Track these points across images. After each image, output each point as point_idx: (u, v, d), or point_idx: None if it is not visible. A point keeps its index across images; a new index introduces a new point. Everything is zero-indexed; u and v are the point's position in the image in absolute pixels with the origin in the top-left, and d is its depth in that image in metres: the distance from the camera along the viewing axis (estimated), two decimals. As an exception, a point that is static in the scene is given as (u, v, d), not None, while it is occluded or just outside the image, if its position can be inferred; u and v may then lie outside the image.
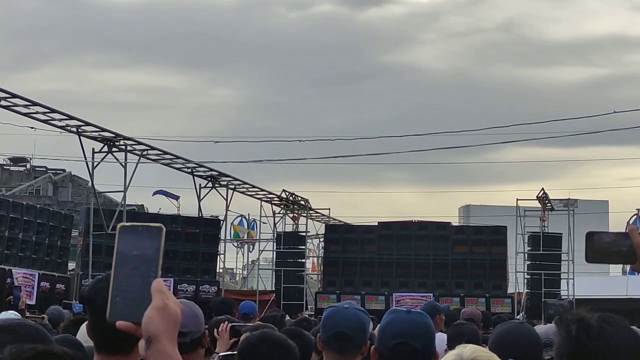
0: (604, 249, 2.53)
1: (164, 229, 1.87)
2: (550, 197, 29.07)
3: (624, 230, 2.58)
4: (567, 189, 62.71)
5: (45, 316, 12.42)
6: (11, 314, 9.21)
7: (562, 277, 27.50)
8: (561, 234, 27.71)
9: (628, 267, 43.12)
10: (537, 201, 28.42)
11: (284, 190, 31.30)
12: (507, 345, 4.08)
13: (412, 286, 26.88)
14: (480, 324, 9.01)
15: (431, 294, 25.27)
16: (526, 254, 27.75)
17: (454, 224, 32.75)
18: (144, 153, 25.84)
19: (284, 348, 3.93)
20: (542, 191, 28.23)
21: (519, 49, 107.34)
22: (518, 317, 22.16)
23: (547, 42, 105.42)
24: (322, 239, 32.28)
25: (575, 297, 26.95)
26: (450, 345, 4.66)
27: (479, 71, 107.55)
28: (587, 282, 30.94)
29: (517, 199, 28.56)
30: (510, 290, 28.15)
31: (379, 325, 3.89)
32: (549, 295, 26.40)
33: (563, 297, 27.11)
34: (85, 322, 3.30)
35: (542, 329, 4.94)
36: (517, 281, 28.49)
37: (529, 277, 27.40)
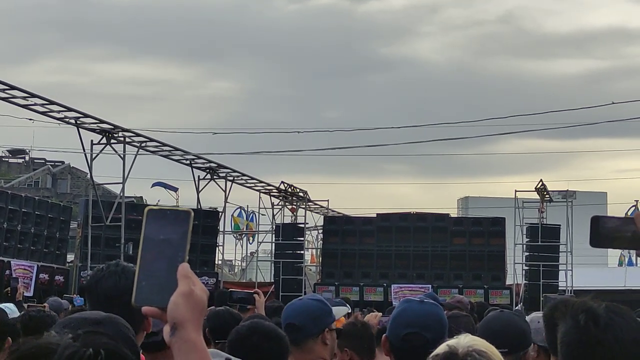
0: (608, 234, 2.52)
1: (192, 214, 1.84)
2: (549, 189, 29.07)
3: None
4: (565, 180, 62.87)
5: (47, 305, 12.43)
6: (9, 306, 9.21)
7: (560, 268, 27.52)
8: (560, 225, 27.71)
9: (626, 259, 43.19)
10: (535, 193, 28.42)
11: (282, 182, 31.29)
12: (491, 333, 4.09)
13: (410, 278, 26.90)
14: (467, 310, 9.05)
15: (429, 286, 25.29)
16: (525, 246, 27.75)
17: (452, 215, 32.79)
18: (143, 145, 25.82)
19: (274, 338, 3.92)
20: (541, 182, 28.22)
21: (518, 41, 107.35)
22: (517, 308, 22.18)
23: (547, 34, 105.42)
24: (320, 231, 32.25)
25: (574, 289, 26.97)
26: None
27: (478, 63, 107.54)
28: (585, 273, 30.98)
29: (516, 191, 28.56)
30: (508, 281, 28.18)
31: (391, 314, 3.90)
32: (548, 286, 26.41)
33: (562, 290, 27.11)
34: None
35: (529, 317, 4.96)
36: (515, 273, 28.51)
37: (527, 268, 27.40)
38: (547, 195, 28.76)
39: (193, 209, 24.33)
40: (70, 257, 28.80)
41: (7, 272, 22.45)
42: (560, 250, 27.43)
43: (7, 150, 70.06)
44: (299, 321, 4.08)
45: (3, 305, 9.41)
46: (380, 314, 6.65)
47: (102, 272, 3.09)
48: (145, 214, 1.84)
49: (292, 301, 4.38)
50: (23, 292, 18.50)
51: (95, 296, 2.99)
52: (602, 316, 2.36)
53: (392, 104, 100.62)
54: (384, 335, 3.79)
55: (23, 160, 72.61)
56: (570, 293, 26.24)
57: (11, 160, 73.14)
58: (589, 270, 32.77)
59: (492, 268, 26.88)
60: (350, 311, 8.81)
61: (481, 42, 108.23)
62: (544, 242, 26.87)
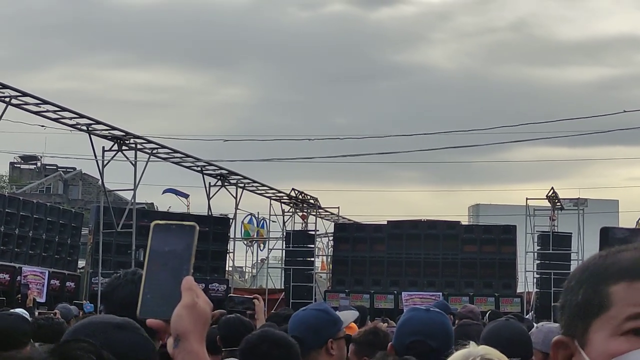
0: (617, 244, 2.52)
1: (197, 228, 1.86)
2: (560, 197, 29.01)
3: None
4: (576, 188, 62.52)
5: (57, 311, 12.45)
6: (20, 312, 9.23)
7: (572, 276, 27.39)
8: (571, 233, 27.65)
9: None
10: (546, 200, 28.37)
11: (293, 189, 31.32)
12: (501, 342, 4.09)
13: (421, 285, 26.86)
14: (479, 320, 9.04)
15: (440, 293, 25.25)
16: (536, 254, 27.70)
17: (463, 223, 32.71)
18: (154, 151, 25.89)
19: (284, 346, 3.92)
20: (552, 190, 28.16)
21: (529, 48, 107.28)
22: (527, 316, 22.11)
23: (558, 41, 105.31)
24: (331, 238, 32.28)
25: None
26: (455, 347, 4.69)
27: (490, 71, 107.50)
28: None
29: (527, 198, 28.53)
30: (519, 289, 28.11)
31: (398, 322, 3.91)
32: (559, 295, 26.19)
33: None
34: None
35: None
36: (526, 280, 28.44)
37: (538, 276, 27.34)
38: (558, 203, 28.69)
39: (204, 216, 24.33)
40: (81, 263, 28.87)
41: (19, 278, 22.50)
42: (572, 258, 27.35)
43: (19, 157, 70.27)
44: (299, 333, 4.07)
45: (14, 311, 9.43)
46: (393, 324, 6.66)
47: (119, 280, 3.10)
48: (151, 228, 1.87)
49: (296, 312, 4.38)
50: (34, 298, 18.55)
51: (112, 304, 3.01)
52: None
53: (403, 111, 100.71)
54: (389, 343, 3.79)
55: (35, 166, 72.85)
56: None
57: (23, 166, 73.39)
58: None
59: (503, 276, 26.82)
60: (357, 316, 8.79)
61: (493, 50, 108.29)
62: (555, 250, 26.80)
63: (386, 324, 6.70)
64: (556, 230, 27.84)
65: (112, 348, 1.82)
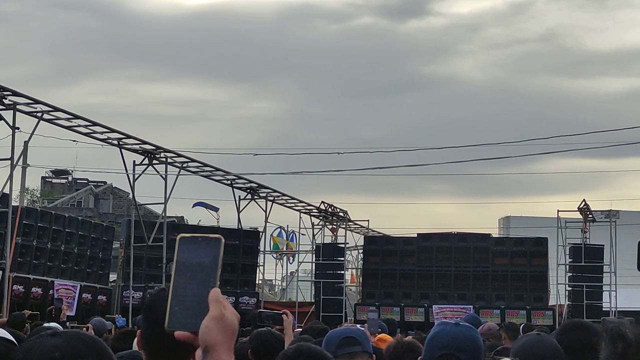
0: None
1: (223, 240, 1.88)
2: (592, 208, 28.78)
3: None
4: (608, 200, 62.07)
5: (90, 326, 12.50)
6: (54, 326, 9.30)
7: (604, 289, 27.18)
8: (603, 245, 27.41)
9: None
10: (578, 212, 28.15)
11: (322, 202, 31.32)
12: (536, 358, 4.06)
13: (452, 298, 26.74)
14: (498, 338, 9.00)
15: (471, 306, 25.11)
16: (567, 266, 27.48)
17: (494, 235, 32.53)
18: (184, 165, 26.02)
19: None
20: (584, 202, 27.96)
21: (560, 59, 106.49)
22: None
23: (589, 52, 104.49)
24: (361, 251, 32.22)
25: (618, 310, 26.61)
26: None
27: (520, 82, 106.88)
28: (629, 294, 30.56)
29: (558, 210, 28.31)
30: (551, 302, 27.89)
31: (427, 337, 3.91)
32: (591, 307, 26.09)
33: (605, 311, 26.73)
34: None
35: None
36: (558, 293, 28.21)
37: (570, 289, 27.12)
38: (590, 215, 28.48)
39: (234, 229, 24.31)
40: (112, 276, 29.03)
41: (51, 291, 22.66)
42: (604, 270, 27.12)
43: (51, 171, 70.92)
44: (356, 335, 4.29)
45: (47, 326, 9.50)
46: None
47: (163, 293, 3.10)
48: (178, 240, 1.89)
49: (329, 332, 4.55)
50: (67, 312, 18.67)
51: (154, 315, 3.00)
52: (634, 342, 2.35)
53: (432, 123, 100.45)
54: (419, 357, 3.79)
55: (66, 180, 73.50)
56: (615, 314, 25.88)
57: (54, 180, 74.07)
58: (634, 291, 32.29)
59: (534, 289, 26.63)
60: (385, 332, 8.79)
61: (522, 61, 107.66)
62: (587, 262, 26.58)
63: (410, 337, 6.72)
64: (588, 243, 27.62)
65: None
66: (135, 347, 2.98)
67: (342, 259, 29.85)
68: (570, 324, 4.85)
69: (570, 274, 27.26)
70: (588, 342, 4.14)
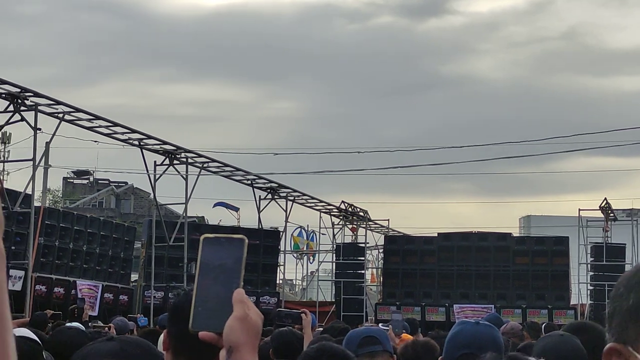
0: None
1: (247, 241, 1.88)
2: (613, 207, 28.65)
3: None
4: (630, 198, 61.68)
5: (113, 326, 12.56)
6: (75, 326, 9.35)
7: (626, 288, 27.02)
8: (624, 244, 27.28)
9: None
10: (599, 211, 28.03)
11: (343, 202, 31.33)
12: (560, 358, 4.04)
13: (472, 297, 26.68)
14: (521, 337, 8.99)
15: (492, 306, 25.04)
16: (589, 265, 27.36)
17: (514, 234, 32.44)
18: (205, 165, 26.11)
19: (342, 359, 3.95)
20: (605, 201, 27.83)
21: (581, 57, 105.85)
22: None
23: (610, 50, 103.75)
24: (381, 250, 32.20)
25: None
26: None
27: (540, 81, 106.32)
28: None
29: (580, 209, 28.21)
30: (573, 301, 27.79)
31: (447, 336, 3.92)
32: (613, 306, 25.94)
33: None
34: (162, 336, 3.30)
35: None
36: (580, 292, 28.11)
37: (592, 288, 27.00)
38: (611, 214, 28.35)
39: (254, 229, 24.38)
40: (134, 276, 29.16)
41: (73, 291, 22.80)
42: (626, 269, 26.94)
43: (72, 172, 71.25)
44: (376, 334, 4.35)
45: (69, 325, 9.57)
46: None
47: (188, 296, 3.11)
48: (201, 241, 1.89)
49: (350, 331, 4.57)
50: (89, 312, 18.76)
51: (182, 315, 3.01)
52: None
53: (452, 122, 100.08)
54: (440, 357, 3.80)
55: (87, 181, 73.80)
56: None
57: (76, 181, 74.37)
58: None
59: (556, 288, 26.53)
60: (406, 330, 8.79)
61: (543, 59, 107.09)
62: (609, 261, 26.45)
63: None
64: (609, 241, 27.49)
65: None
66: (160, 346, 2.98)
67: (363, 258, 29.85)
68: (572, 326, 4.81)
69: (592, 273, 27.15)
70: (591, 344, 4.10)
